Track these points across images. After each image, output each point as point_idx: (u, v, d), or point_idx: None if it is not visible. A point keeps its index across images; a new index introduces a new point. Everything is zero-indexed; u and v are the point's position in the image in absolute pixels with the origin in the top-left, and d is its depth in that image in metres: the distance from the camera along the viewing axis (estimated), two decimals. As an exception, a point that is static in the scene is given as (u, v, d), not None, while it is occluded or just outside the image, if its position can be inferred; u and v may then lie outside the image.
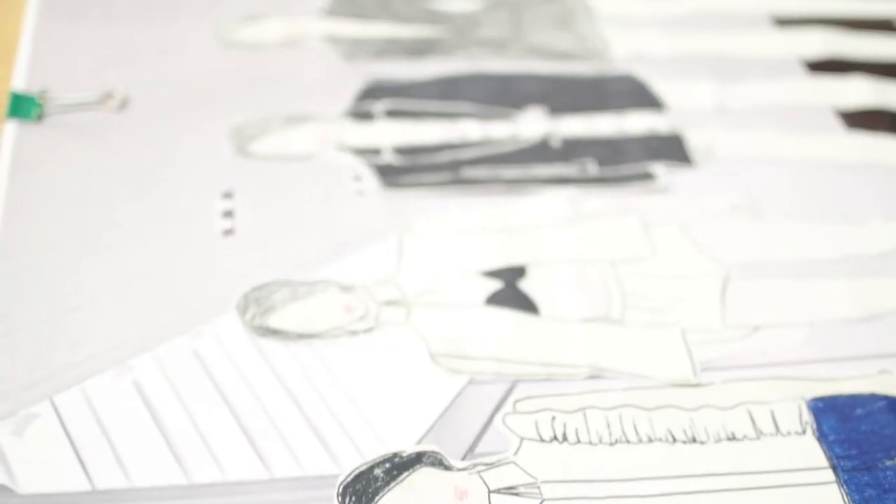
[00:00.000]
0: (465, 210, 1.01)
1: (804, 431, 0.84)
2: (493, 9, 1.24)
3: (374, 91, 1.12)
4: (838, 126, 1.13)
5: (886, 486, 0.81)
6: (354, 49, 1.17)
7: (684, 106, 1.13)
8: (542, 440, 0.83)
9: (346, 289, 0.93)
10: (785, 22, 1.26)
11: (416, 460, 0.81)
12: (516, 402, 0.85)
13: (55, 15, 1.20)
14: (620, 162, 1.06)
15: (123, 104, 1.10)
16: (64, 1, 1.22)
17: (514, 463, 0.81)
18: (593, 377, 0.88)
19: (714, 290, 0.95)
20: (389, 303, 0.92)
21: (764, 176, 1.06)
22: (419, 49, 1.18)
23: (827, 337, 0.92)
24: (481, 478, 0.80)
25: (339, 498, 0.79)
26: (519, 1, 1.25)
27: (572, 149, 1.07)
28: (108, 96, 1.10)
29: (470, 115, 1.10)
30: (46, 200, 0.99)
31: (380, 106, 1.10)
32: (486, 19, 1.22)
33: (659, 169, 1.05)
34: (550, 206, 1.01)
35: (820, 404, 0.87)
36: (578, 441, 0.83)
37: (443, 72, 1.16)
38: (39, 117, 1.08)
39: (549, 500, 0.79)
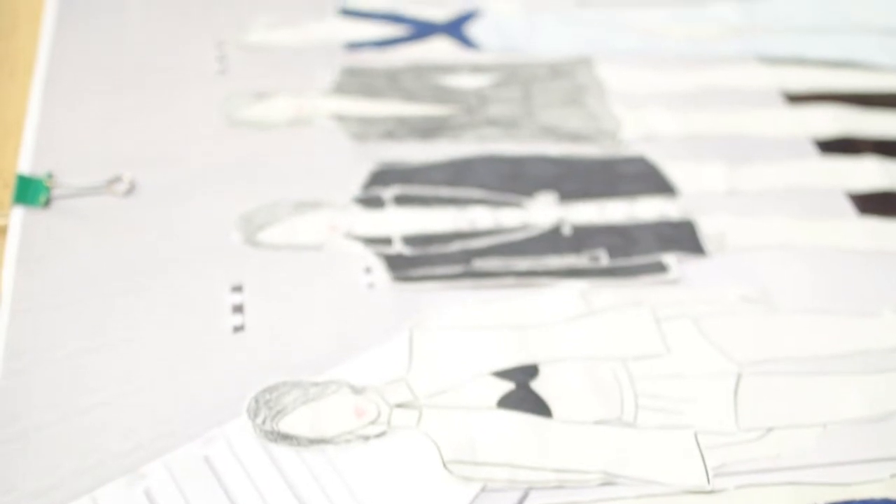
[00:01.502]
0: (476, 305, 1.00)
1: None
2: (503, 85, 1.23)
3: (383, 176, 1.11)
4: (850, 210, 1.12)
5: None
6: (363, 130, 1.16)
7: (695, 189, 1.13)
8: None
9: (357, 390, 0.92)
10: (795, 97, 1.25)
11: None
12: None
13: (61, 93, 1.19)
14: (632, 251, 1.05)
15: (131, 188, 1.09)
16: (69, 79, 1.21)
17: None
18: (606, 483, 0.88)
19: (727, 390, 0.94)
20: (401, 405, 0.91)
21: (776, 265, 1.06)
22: (429, 128, 1.17)
23: (840, 438, 0.92)
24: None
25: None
26: (529, 76, 1.25)
27: (583, 237, 1.06)
28: (115, 180, 1.10)
29: (480, 202, 1.09)
30: (54, 294, 0.99)
31: (389, 192, 1.10)
32: (496, 96, 1.22)
33: (671, 259, 1.04)
34: (562, 302, 1.00)
35: (834, 511, 0.87)
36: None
37: (453, 153, 1.15)
38: (46, 202, 1.07)
39: None
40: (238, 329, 0.97)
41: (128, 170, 1.11)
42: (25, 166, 1.11)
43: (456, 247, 1.05)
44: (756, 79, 1.27)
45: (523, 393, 0.93)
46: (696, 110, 1.22)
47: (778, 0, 1.39)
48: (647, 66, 1.28)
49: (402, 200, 1.09)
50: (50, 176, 1.09)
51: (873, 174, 1.16)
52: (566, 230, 1.07)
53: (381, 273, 1.02)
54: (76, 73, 1.23)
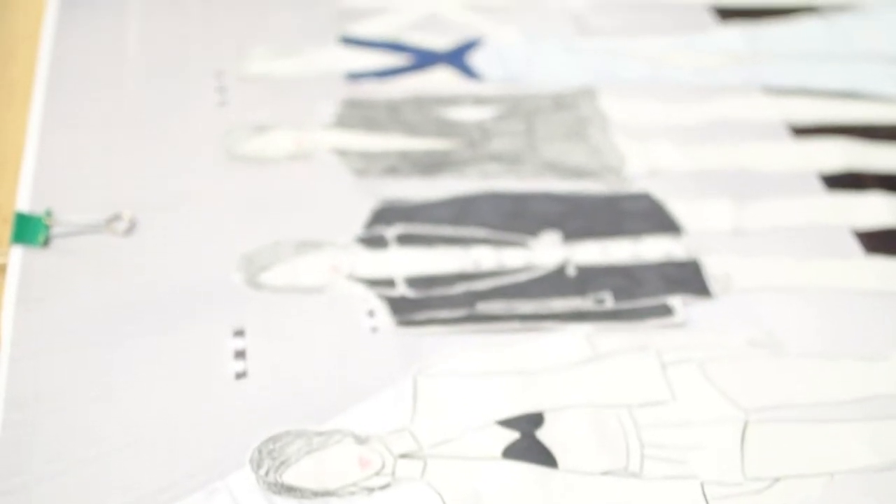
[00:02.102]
0: (480, 350, 0.99)
1: None
2: (506, 117, 1.22)
3: (385, 213, 1.10)
4: (857, 248, 1.11)
5: None
6: (365, 165, 1.15)
7: (701, 228, 1.12)
8: None
9: (361, 440, 0.91)
10: (801, 130, 1.24)
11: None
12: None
13: (59, 124, 1.18)
14: (637, 293, 1.04)
15: (131, 227, 1.08)
16: (67, 111, 1.20)
17: None
18: (612, 537, 0.87)
19: (733, 438, 0.93)
20: (405, 455, 0.90)
21: (782, 307, 1.05)
22: (431, 163, 1.16)
23: (847, 488, 0.91)
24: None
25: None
26: (531, 108, 1.24)
27: (588, 278, 1.06)
28: (115, 218, 1.09)
29: (484, 241, 1.08)
30: (54, 338, 0.98)
31: (392, 232, 1.09)
32: (499, 129, 1.20)
33: (676, 302, 1.04)
34: (567, 346, 0.99)
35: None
36: None
37: (456, 190, 1.14)
38: (46, 242, 1.06)
39: None
40: (240, 376, 0.96)
41: (127, 206, 1.10)
42: (24, 202, 1.10)
43: (460, 289, 1.04)
44: (761, 110, 1.26)
45: (528, 442, 0.92)
46: (701, 143, 1.21)
47: (782, 26, 1.38)
48: (651, 97, 1.27)
49: (404, 240, 1.08)
50: (49, 214, 1.08)
51: (880, 210, 1.15)
52: (570, 271, 1.06)
53: (384, 317, 1.01)
54: (74, 104, 1.22)
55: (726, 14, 1.40)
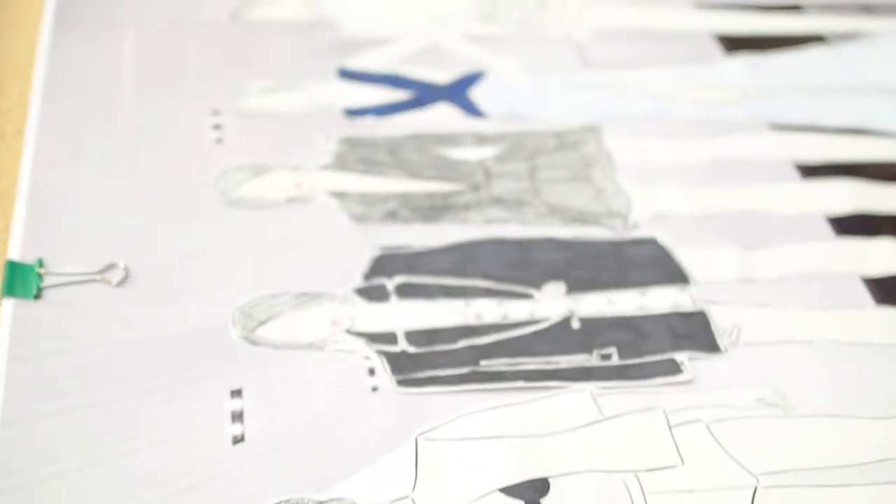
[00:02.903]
0: (483, 412, 0.97)
1: None
2: (508, 158, 1.19)
3: (385, 263, 1.08)
4: (867, 297, 1.09)
5: None
6: (365, 210, 1.13)
7: (708, 276, 1.09)
8: None
9: (362, 510, 0.89)
10: (809, 168, 1.22)
11: None
12: None
13: (51, 166, 1.15)
14: (644, 348, 1.02)
15: (125, 277, 1.06)
16: (59, 151, 1.17)
17: None
18: None
19: (743, 506, 0.91)
20: (407, 526, 0.88)
21: (792, 362, 1.03)
22: (432, 207, 1.13)
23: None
24: None
25: None
26: (535, 147, 1.21)
27: (593, 331, 1.03)
28: (109, 268, 1.06)
29: (486, 292, 1.06)
30: (47, 400, 0.95)
31: (392, 283, 1.06)
32: (501, 171, 1.18)
33: (684, 357, 1.01)
34: (573, 407, 0.97)
35: None
36: None
37: (457, 236, 1.11)
38: (38, 294, 1.03)
39: None
40: (238, 440, 0.94)
41: (121, 254, 1.07)
42: (15, 249, 1.07)
43: (462, 344, 1.01)
44: (768, 148, 1.24)
45: (534, 512, 0.90)
46: (708, 185, 1.19)
47: (789, 56, 1.36)
48: (657, 135, 1.24)
49: (405, 291, 1.06)
50: (41, 264, 1.05)
51: (891, 257, 1.12)
52: (575, 324, 1.04)
53: (384, 375, 0.99)
54: (67, 143, 1.19)
55: (732, 43, 1.37)
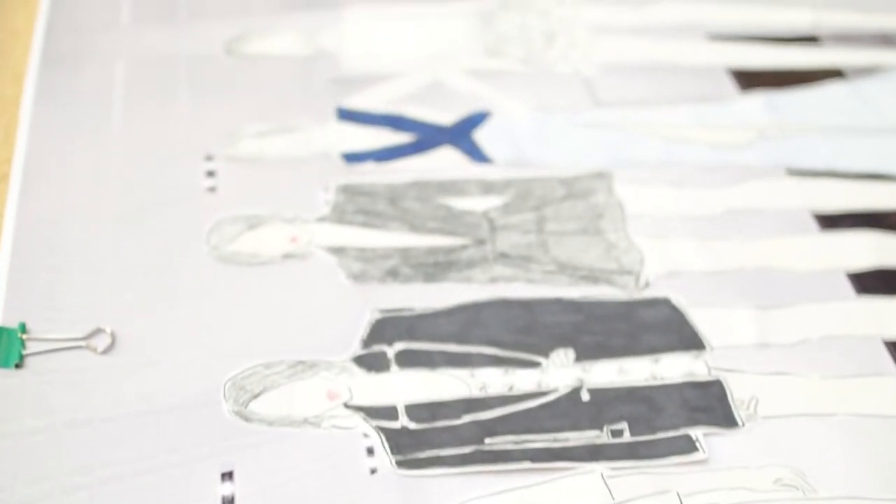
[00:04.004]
0: (489, 496, 0.92)
1: None
2: (515, 208, 1.14)
3: (385, 328, 1.03)
4: (890, 363, 1.04)
5: None
6: (364, 268, 1.08)
7: (723, 340, 1.04)
8: None
9: None
10: (828, 218, 1.16)
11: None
12: None
13: (35, 223, 1.10)
14: (657, 423, 0.97)
15: (112, 343, 1.01)
16: (45, 204, 1.12)
17: None
18: None
19: None
20: None
21: (812, 436, 0.98)
22: (435, 264, 1.08)
23: None
24: None
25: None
26: (542, 195, 1.16)
27: (603, 404, 0.98)
28: (95, 333, 1.01)
29: (492, 359, 1.01)
30: (26, 483, 0.90)
31: (392, 350, 1.01)
32: (508, 223, 1.12)
33: (699, 432, 0.96)
34: (583, 491, 0.92)
35: None
36: None
37: (461, 296, 1.06)
38: (19, 363, 0.98)
39: None
40: (230, 529, 0.89)
41: (108, 316, 1.02)
42: (-5, 313, 1.02)
43: (466, 419, 0.96)
44: (785, 197, 1.18)
45: None
46: (722, 237, 1.14)
47: (806, 93, 1.30)
48: (669, 182, 1.19)
49: (406, 359, 1.00)
50: (24, 329, 1.00)
51: (915, 318, 1.07)
52: (585, 396, 0.99)
53: (383, 455, 0.94)
54: (52, 194, 1.13)
55: (747, 77, 1.32)
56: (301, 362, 0.99)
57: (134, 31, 1.33)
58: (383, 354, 1.01)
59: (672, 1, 1.41)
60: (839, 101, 1.30)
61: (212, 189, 1.15)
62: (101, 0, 1.37)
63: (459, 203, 1.15)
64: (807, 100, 1.30)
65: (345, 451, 0.94)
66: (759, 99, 1.29)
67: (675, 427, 0.97)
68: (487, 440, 0.95)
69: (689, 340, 1.04)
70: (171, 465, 0.92)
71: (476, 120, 1.24)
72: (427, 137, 1.21)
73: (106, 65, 1.28)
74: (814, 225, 1.16)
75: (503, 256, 1.10)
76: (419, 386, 0.98)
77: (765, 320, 1.06)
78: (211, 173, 1.16)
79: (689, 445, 0.96)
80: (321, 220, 1.12)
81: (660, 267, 1.10)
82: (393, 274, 1.07)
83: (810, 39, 1.39)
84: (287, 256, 1.09)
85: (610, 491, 0.92)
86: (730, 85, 1.32)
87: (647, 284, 1.08)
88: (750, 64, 1.34)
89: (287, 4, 1.37)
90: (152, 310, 1.04)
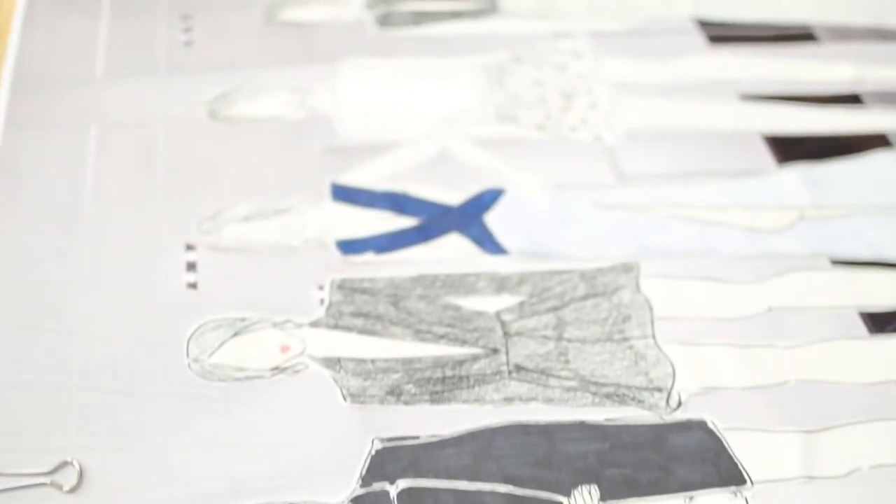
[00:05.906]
0: None
1: None
2: (532, 309, 1.02)
3: (386, 461, 0.92)
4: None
5: None
6: (362, 386, 0.96)
7: (765, 473, 0.93)
8: None
9: None
10: (877, 318, 1.05)
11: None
12: None
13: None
14: (692, 580, 0.86)
15: (79, 481, 0.89)
16: (9, 311, 1.00)
17: None
18: None
19: None
20: None
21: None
22: (442, 380, 0.97)
23: None
24: None
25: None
26: (561, 294, 1.04)
27: (633, 555, 0.87)
28: (61, 467, 0.90)
29: (507, 501, 0.89)
30: None
31: (394, 489, 0.90)
32: (523, 328, 1.01)
33: (740, 593, 0.86)
34: None
35: None
36: None
37: (471, 419, 0.95)
38: (-24, 506, 0.87)
39: None
40: None
41: (75, 446, 0.91)
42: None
43: (479, 578, 0.85)
44: (830, 291, 1.07)
45: None
46: (763, 344, 1.02)
47: (849, 167, 1.18)
48: (703, 276, 1.07)
49: (410, 499, 0.89)
50: (-18, 464, 0.89)
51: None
52: (611, 544, 0.88)
53: None
54: (15, 303, 1.01)
55: (784, 146, 1.20)
56: (292, 504, 0.88)
57: (109, 87, 1.21)
58: (385, 495, 0.89)
59: (700, 54, 1.29)
60: (884, 174, 1.18)
61: (192, 285, 1.03)
62: (75, 51, 1.24)
63: (469, 303, 1.03)
64: (849, 173, 1.18)
65: None
66: (799, 173, 1.17)
67: (715, 587, 0.86)
68: None
69: (728, 474, 0.93)
70: None
71: (487, 200, 1.12)
72: (432, 222, 1.09)
73: (78, 129, 1.16)
74: (861, 326, 1.04)
75: (519, 369, 0.98)
76: (426, 533, 0.87)
77: (811, 447, 0.95)
78: (191, 266, 1.04)
79: None
80: (315, 324, 1.00)
81: (693, 382, 0.99)
82: (395, 393, 0.96)
83: (852, 98, 1.27)
84: (277, 370, 0.97)
85: None
86: (766, 154, 1.20)
87: (679, 404, 0.97)
88: (787, 129, 1.22)
89: (275, 58, 1.25)
90: (126, 437, 0.92)
